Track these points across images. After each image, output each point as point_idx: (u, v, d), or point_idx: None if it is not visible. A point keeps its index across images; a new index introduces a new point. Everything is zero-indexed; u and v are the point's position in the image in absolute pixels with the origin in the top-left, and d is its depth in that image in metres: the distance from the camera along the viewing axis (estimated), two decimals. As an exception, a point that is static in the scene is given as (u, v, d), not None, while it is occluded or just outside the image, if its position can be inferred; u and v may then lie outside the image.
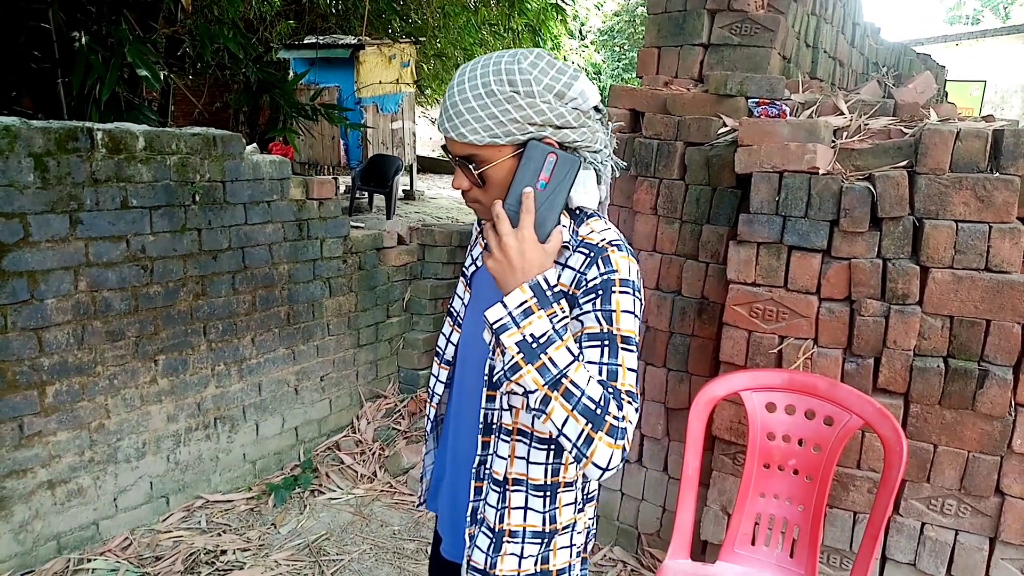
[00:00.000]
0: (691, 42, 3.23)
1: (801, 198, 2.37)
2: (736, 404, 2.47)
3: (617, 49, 22.78)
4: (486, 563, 1.34)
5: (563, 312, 1.16)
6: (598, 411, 1.11)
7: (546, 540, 1.35)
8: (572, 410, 1.10)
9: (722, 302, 2.63)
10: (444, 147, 1.26)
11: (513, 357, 1.11)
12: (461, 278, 1.50)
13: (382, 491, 3.63)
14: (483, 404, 1.32)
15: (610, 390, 1.15)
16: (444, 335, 1.51)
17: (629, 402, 1.16)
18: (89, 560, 2.90)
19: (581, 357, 1.16)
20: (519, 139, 1.17)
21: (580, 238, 1.24)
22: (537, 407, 1.12)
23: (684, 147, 2.87)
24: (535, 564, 1.35)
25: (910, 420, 2.31)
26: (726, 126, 2.82)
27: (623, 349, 1.18)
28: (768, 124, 2.49)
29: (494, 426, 1.32)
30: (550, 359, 1.11)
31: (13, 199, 2.60)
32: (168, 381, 3.21)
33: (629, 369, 1.18)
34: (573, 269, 1.22)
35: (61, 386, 2.83)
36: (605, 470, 1.12)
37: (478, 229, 1.49)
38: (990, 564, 2.30)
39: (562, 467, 1.32)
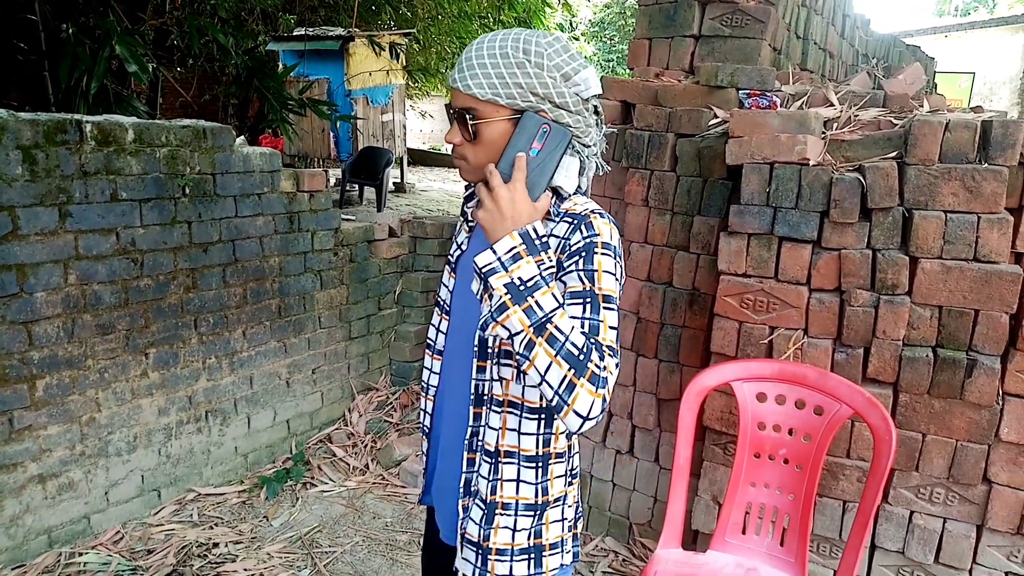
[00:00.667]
0: (682, 33, 3.23)
1: (791, 189, 2.38)
2: (727, 394, 2.49)
3: (608, 41, 22.75)
4: (479, 535, 1.36)
5: (550, 261, 1.21)
6: (581, 357, 1.13)
7: (538, 513, 1.37)
8: (556, 355, 1.12)
9: (713, 293, 2.64)
10: (447, 105, 1.31)
11: (501, 297, 1.13)
12: (447, 267, 1.51)
13: (374, 483, 3.64)
14: (474, 375, 1.35)
15: (592, 341, 1.17)
16: (434, 326, 1.53)
17: (611, 355, 1.18)
18: (80, 554, 2.90)
19: (565, 308, 1.18)
20: (518, 104, 1.23)
21: (563, 211, 1.28)
22: (521, 351, 1.14)
23: (675, 138, 2.87)
24: (528, 538, 1.37)
25: (899, 409, 2.32)
26: (717, 117, 2.82)
27: (604, 307, 1.21)
28: (759, 115, 2.49)
29: (485, 397, 1.35)
30: (536, 302, 1.13)
31: (1, 192, 2.58)
32: (159, 374, 3.20)
33: (610, 327, 1.21)
34: (558, 237, 1.26)
35: (51, 380, 2.82)
36: (586, 419, 1.14)
37: (462, 219, 1.51)
38: (977, 551, 2.32)
39: (552, 437, 1.35)
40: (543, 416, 1.34)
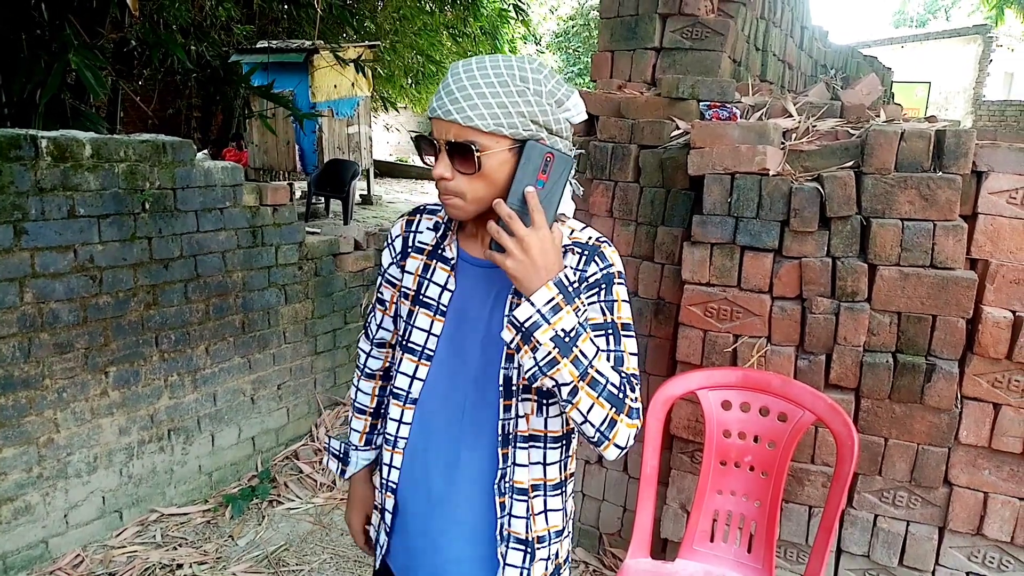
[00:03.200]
0: (644, 46, 3.27)
1: (752, 199, 2.41)
2: (693, 403, 2.50)
3: (572, 53, 22.91)
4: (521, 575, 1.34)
5: (583, 306, 1.22)
6: (620, 395, 1.19)
7: (564, 535, 1.40)
8: (598, 397, 1.16)
9: (678, 302, 2.66)
10: (421, 138, 1.23)
11: (550, 352, 1.11)
12: (421, 309, 1.37)
13: (342, 499, 3.60)
14: (501, 415, 1.30)
15: (623, 376, 1.22)
16: (406, 374, 1.38)
17: (636, 384, 1.25)
18: (39, 579, 2.82)
19: (599, 348, 1.19)
20: (521, 134, 1.17)
21: (570, 240, 1.27)
22: (566, 398, 1.15)
23: (638, 150, 2.89)
24: (551, 563, 1.38)
25: (861, 415, 2.36)
26: (679, 129, 2.85)
27: (624, 336, 1.26)
28: (719, 127, 2.52)
29: (511, 436, 1.31)
30: (581, 351, 1.14)
31: (-47, 209, 2.52)
32: (120, 393, 3.14)
33: (631, 354, 1.27)
34: (572, 268, 1.25)
35: (7, 400, 2.75)
36: (623, 449, 1.22)
37: (399, 232, 1.44)
38: (939, 553, 2.36)
39: (570, 459, 1.39)
40: (564, 443, 1.35)
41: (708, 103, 2.86)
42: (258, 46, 9.80)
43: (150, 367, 3.25)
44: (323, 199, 9.39)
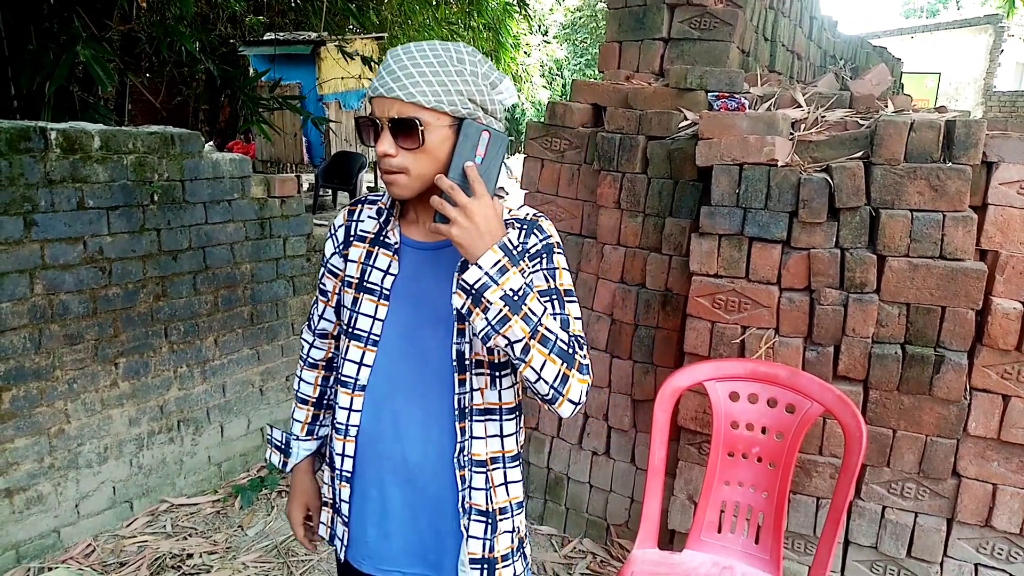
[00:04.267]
0: (651, 36, 3.25)
1: (761, 190, 2.41)
2: (701, 394, 2.50)
3: (579, 44, 22.84)
4: (484, 548, 1.37)
5: (528, 269, 1.27)
6: (570, 351, 1.24)
7: (523, 506, 1.45)
8: (549, 353, 1.21)
9: (685, 294, 2.65)
10: (362, 119, 1.26)
11: (501, 310, 1.15)
12: (365, 295, 1.39)
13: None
14: (456, 390, 1.34)
15: (569, 334, 1.28)
16: (353, 361, 1.40)
17: (584, 344, 1.30)
18: (50, 568, 2.85)
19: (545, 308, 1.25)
20: (460, 112, 1.23)
21: (509, 215, 1.35)
22: (519, 355, 1.19)
23: (646, 141, 2.89)
24: (515, 535, 1.43)
25: (869, 406, 2.35)
26: (687, 120, 2.85)
27: (568, 301, 1.33)
28: (728, 117, 2.51)
29: (467, 410, 1.35)
30: (530, 309, 1.18)
31: (-36, 201, 2.54)
32: (129, 384, 3.16)
33: (575, 318, 1.32)
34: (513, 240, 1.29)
35: (18, 392, 2.77)
36: (577, 404, 1.26)
37: (342, 223, 1.48)
38: (948, 544, 2.36)
39: (523, 430, 1.46)
40: (518, 414, 1.42)
41: (716, 94, 2.85)
42: (265, 38, 9.81)
43: (159, 358, 3.27)
44: (330, 191, 9.39)
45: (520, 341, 1.18)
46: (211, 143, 3.44)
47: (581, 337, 1.30)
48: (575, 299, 1.34)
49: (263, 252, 3.68)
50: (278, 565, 2.99)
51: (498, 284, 1.15)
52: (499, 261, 1.16)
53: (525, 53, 17.61)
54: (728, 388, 2.28)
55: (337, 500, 1.47)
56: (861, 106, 2.75)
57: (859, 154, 2.36)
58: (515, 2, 11.58)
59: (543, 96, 20.86)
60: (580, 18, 23.10)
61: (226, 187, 3.45)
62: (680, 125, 2.84)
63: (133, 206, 3.06)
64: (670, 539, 2.77)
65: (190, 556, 3.00)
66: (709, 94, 2.87)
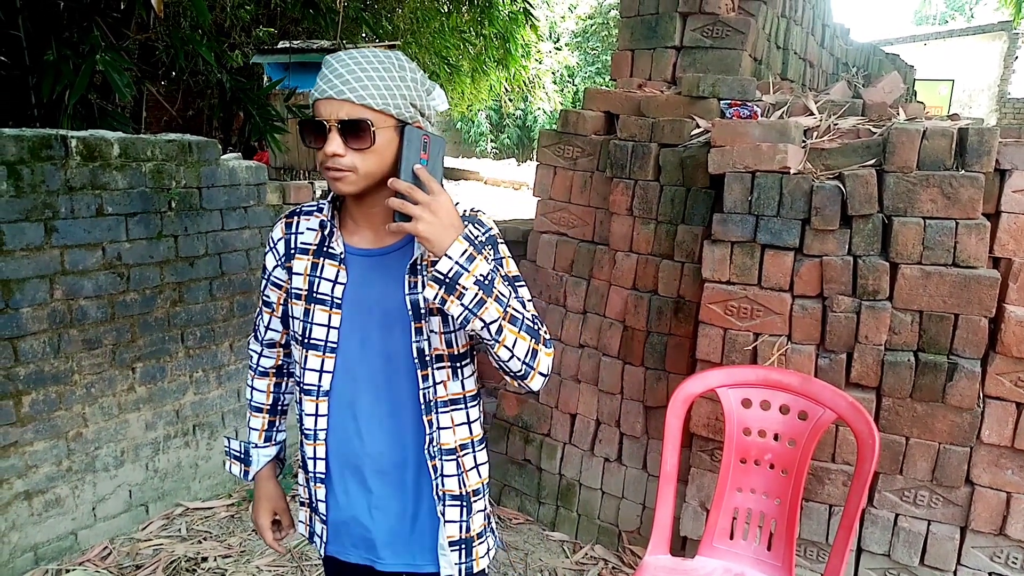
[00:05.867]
0: (664, 45, 3.27)
1: (773, 197, 2.42)
2: (713, 401, 2.51)
3: (590, 52, 22.88)
4: (461, 530, 1.47)
5: (490, 255, 1.34)
6: (535, 326, 1.34)
7: (488, 485, 1.54)
8: (519, 331, 1.29)
9: (698, 301, 2.66)
10: (307, 122, 1.30)
11: (477, 294, 1.21)
12: (317, 305, 1.42)
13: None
14: (421, 385, 1.41)
15: (530, 312, 1.37)
16: (314, 369, 1.44)
17: (542, 321, 1.38)
18: (67, 571, 2.88)
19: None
20: (403, 115, 1.30)
21: None
22: (493, 336, 1.26)
23: (658, 148, 2.90)
24: (485, 515, 1.52)
25: (882, 413, 2.35)
26: (699, 127, 2.86)
27: (519, 286, 1.41)
28: (740, 125, 2.53)
29: (432, 403, 1.42)
30: (499, 291, 1.26)
31: (-14, 208, 2.58)
32: (146, 389, 3.19)
33: (528, 300, 1.40)
34: None
35: (37, 395, 2.80)
36: (546, 377, 1.37)
37: (281, 235, 1.49)
38: (961, 553, 2.35)
39: (483, 415, 1.54)
40: (480, 399, 1.51)
41: (729, 101, 2.86)
42: (279, 46, 9.87)
43: (176, 363, 3.30)
44: (343, 198, 9.44)
45: (495, 321, 1.24)
46: (237, 153, 3.47)
47: (537, 316, 1.38)
48: (524, 283, 1.43)
49: (278, 258, 3.71)
50: (292, 569, 3.01)
51: (469, 271, 1.21)
52: (466, 250, 1.21)
53: (537, 61, 17.65)
54: (740, 395, 2.29)
55: (314, 500, 1.53)
56: (874, 114, 2.75)
57: (871, 162, 2.37)
58: (521, 13, 11.61)
59: (548, 106, 20.88)
60: (592, 25, 23.14)
61: (242, 194, 3.49)
62: (692, 133, 2.86)
63: (151, 212, 3.10)
64: (682, 545, 2.77)
65: (205, 560, 3.03)
66: (721, 102, 2.88)
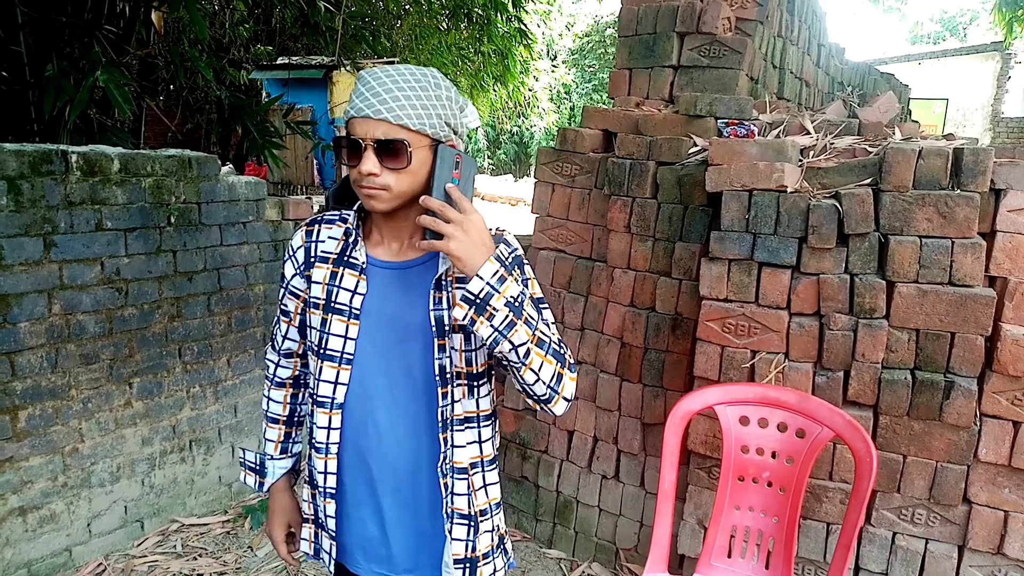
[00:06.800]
0: (661, 64, 3.30)
1: (770, 216, 2.43)
2: (711, 418, 2.51)
3: (587, 69, 23.01)
4: (467, 549, 1.44)
5: (518, 276, 1.34)
6: (561, 350, 1.33)
7: (500, 506, 1.52)
8: (546, 355, 1.28)
9: (695, 318, 2.67)
10: (341, 139, 1.29)
11: (507, 316, 1.21)
12: (334, 315, 1.40)
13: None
14: (440, 403, 1.39)
15: (555, 335, 1.35)
16: (329, 381, 1.42)
17: (566, 345, 1.38)
18: (62, 587, 2.86)
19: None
20: (438, 134, 1.29)
21: None
22: (521, 360, 1.25)
23: (656, 167, 2.92)
24: (495, 534, 1.50)
25: (879, 431, 2.36)
26: (696, 146, 2.88)
27: (543, 308, 1.40)
28: (737, 144, 2.55)
29: (448, 420, 1.40)
30: (528, 314, 1.26)
31: (-14, 222, 2.58)
32: (143, 404, 3.18)
33: (552, 323, 1.39)
34: None
35: (34, 410, 2.80)
36: (569, 401, 1.36)
37: (300, 244, 1.48)
38: (959, 572, 2.35)
39: (497, 435, 1.52)
40: (493, 419, 1.49)
41: (726, 120, 2.88)
42: (278, 62, 9.93)
43: (173, 378, 3.29)
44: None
45: (524, 344, 1.23)
46: (229, 166, 3.48)
47: (562, 339, 1.37)
48: (548, 306, 1.42)
49: (276, 274, 3.72)
50: (287, 586, 3.00)
51: (500, 292, 1.20)
52: (497, 271, 1.21)
53: (535, 78, 17.75)
54: (738, 412, 2.30)
55: (322, 516, 1.50)
56: (869, 133, 2.78)
57: (868, 181, 2.39)
58: (518, 33, 11.69)
59: (542, 124, 20.99)
60: (588, 44, 23.30)
61: (241, 209, 3.50)
62: (690, 151, 2.87)
63: (150, 228, 3.10)
64: (680, 564, 2.76)
65: (200, 576, 3.01)
66: (719, 121, 2.91)
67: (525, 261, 1.42)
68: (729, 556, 2.29)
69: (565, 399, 1.34)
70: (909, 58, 17.98)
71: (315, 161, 10.22)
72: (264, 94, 10.35)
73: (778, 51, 3.63)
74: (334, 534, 1.50)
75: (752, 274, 2.49)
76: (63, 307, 2.84)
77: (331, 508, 1.48)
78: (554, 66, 22.41)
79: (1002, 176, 2.22)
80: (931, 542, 2.37)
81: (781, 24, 3.61)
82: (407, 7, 10.91)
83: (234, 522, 3.47)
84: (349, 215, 1.44)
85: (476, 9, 10.43)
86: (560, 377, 1.31)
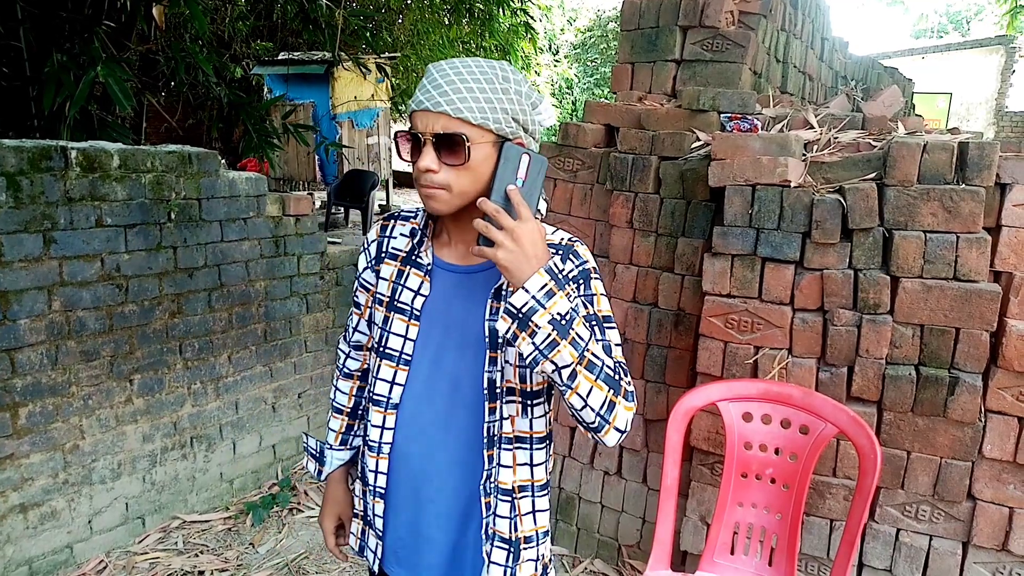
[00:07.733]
0: (664, 58, 3.28)
1: (773, 211, 2.41)
2: (713, 414, 2.50)
3: (589, 64, 22.95)
4: (505, 574, 1.36)
5: (574, 292, 1.26)
6: (616, 377, 1.22)
7: (548, 534, 1.42)
8: (596, 379, 1.18)
9: (698, 314, 2.66)
10: (402, 133, 1.25)
11: (550, 334, 1.13)
12: (395, 314, 1.38)
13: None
14: (486, 418, 1.33)
15: (614, 360, 1.25)
16: (386, 380, 1.39)
17: (626, 371, 1.26)
18: (64, 584, 2.86)
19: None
20: (503, 131, 1.22)
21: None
22: (565, 382, 1.17)
23: (659, 161, 2.90)
24: (539, 564, 1.41)
25: (883, 427, 2.34)
26: (699, 140, 2.86)
27: (608, 328, 1.29)
28: (740, 138, 2.53)
29: (495, 438, 1.33)
30: (577, 334, 1.16)
31: (-15, 219, 2.57)
32: (144, 400, 3.18)
33: (616, 344, 1.29)
34: None
35: (34, 407, 2.79)
36: (623, 432, 1.24)
37: (375, 237, 1.46)
38: (963, 568, 2.34)
39: (551, 459, 1.44)
40: (548, 443, 1.40)
41: (729, 115, 2.86)
42: (279, 58, 9.91)
43: (174, 375, 3.29)
44: (343, 209, 9.45)
45: (568, 367, 1.15)
46: (222, 161, 3.47)
47: (623, 363, 1.27)
48: (614, 325, 1.31)
49: (277, 270, 3.71)
50: (289, 583, 2.99)
51: (545, 308, 1.12)
52: (546, 285, 1.13)
53: (536, 73, 17.72)
54: (741, 408, 2.28)
55: (370, 514, 1.47)
56: (873, 127, 2.76)
57: (872, 175, 2.37)
58: (522, 27, 11.68)
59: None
60: (590, 38, 23.23)
61: (242, 206, 3.49)
62: (693, 146, 2.86)
63: (150, 224, 3.09)
64: (682, 560, 2.75)
65: (201, 573, 3.01)
66: (722, 115, 2.89)
67: (595, 276, 1.32)
68: (732, 553, 2.28)
69: (617, 429, 1.22)
70: (913, 52, 17.92)
71: (317, 157, 10.21)
72: (266, 89, 10.33)
73: (781, 45, 3.61)
74: (381, 534, 1.46)
75: (755, 269, 2.47)
76: (63, 304, 2.83)
77: (379, 507, 1.44)
78: (556, 61, 22.35)
79: (1008, 170, 2.20)
80: (935, 539, 2.36)
81: (784, 18, 3.58)
82: (408, 2, 10.90)
83: (235, 519, 3.46)
84: (421, 212, 1.40)
85: (478, 4, 10.41)
86: (612, 406, 1.20)
